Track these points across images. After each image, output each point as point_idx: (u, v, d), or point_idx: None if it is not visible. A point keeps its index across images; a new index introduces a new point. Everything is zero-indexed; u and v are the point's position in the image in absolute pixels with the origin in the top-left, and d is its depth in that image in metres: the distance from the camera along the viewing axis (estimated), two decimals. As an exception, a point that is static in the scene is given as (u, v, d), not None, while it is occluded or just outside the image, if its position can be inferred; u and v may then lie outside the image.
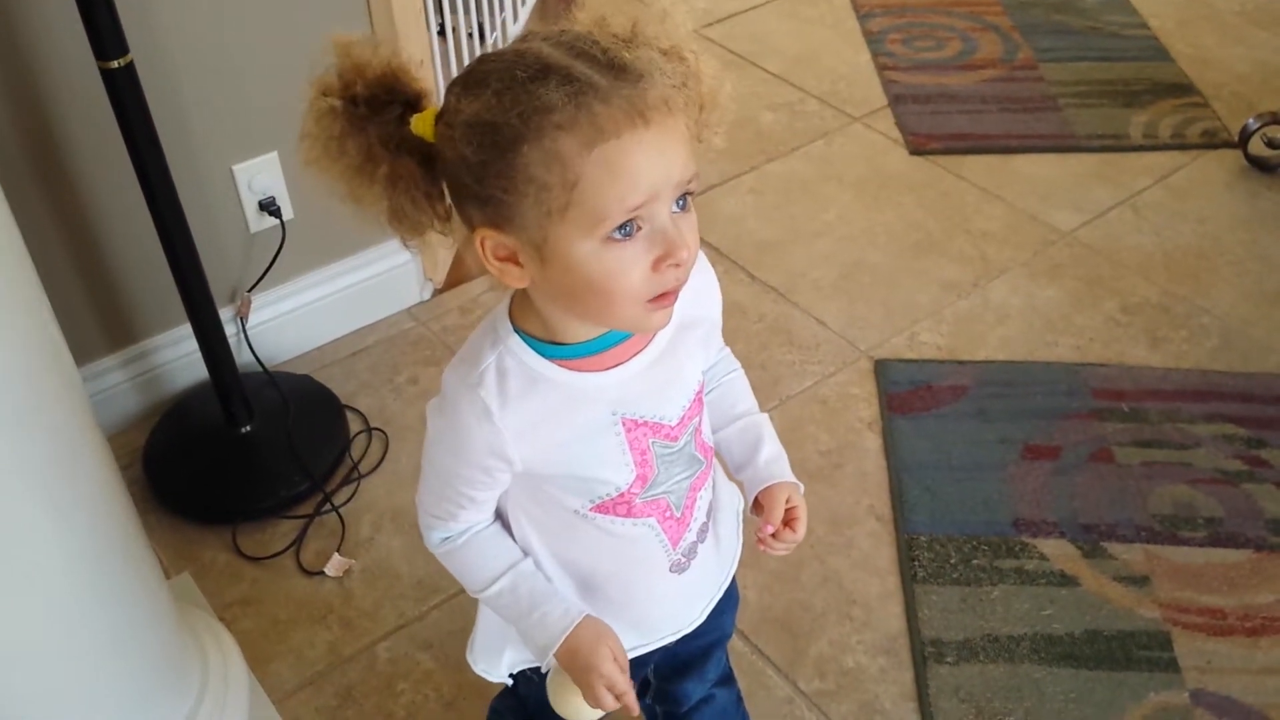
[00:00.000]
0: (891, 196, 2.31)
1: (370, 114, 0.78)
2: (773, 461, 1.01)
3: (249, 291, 1.85)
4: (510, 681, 1.09)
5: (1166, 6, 2.90)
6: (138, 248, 1.69)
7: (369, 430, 1.82)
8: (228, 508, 1.69)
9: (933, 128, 2.49)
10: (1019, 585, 1.58)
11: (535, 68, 0.73)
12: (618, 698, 0.93)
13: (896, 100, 2.57)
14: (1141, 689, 1.46)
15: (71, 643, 1.13)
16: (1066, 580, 1.58)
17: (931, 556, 1.62)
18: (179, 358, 1.83)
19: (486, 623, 1.07)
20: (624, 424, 0.88)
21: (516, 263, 0.79)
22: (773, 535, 0.98)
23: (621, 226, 0.75)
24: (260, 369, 1.86)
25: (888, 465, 1.76)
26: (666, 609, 1.04)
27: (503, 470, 0.88)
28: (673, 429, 0.91)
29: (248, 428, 1.76)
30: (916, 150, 2.43)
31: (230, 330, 1.77)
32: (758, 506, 1.00)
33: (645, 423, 0.89)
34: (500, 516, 0.97)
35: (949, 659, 1.49)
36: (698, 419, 0.94)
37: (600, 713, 0.98)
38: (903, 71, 2.68)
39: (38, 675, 1.13)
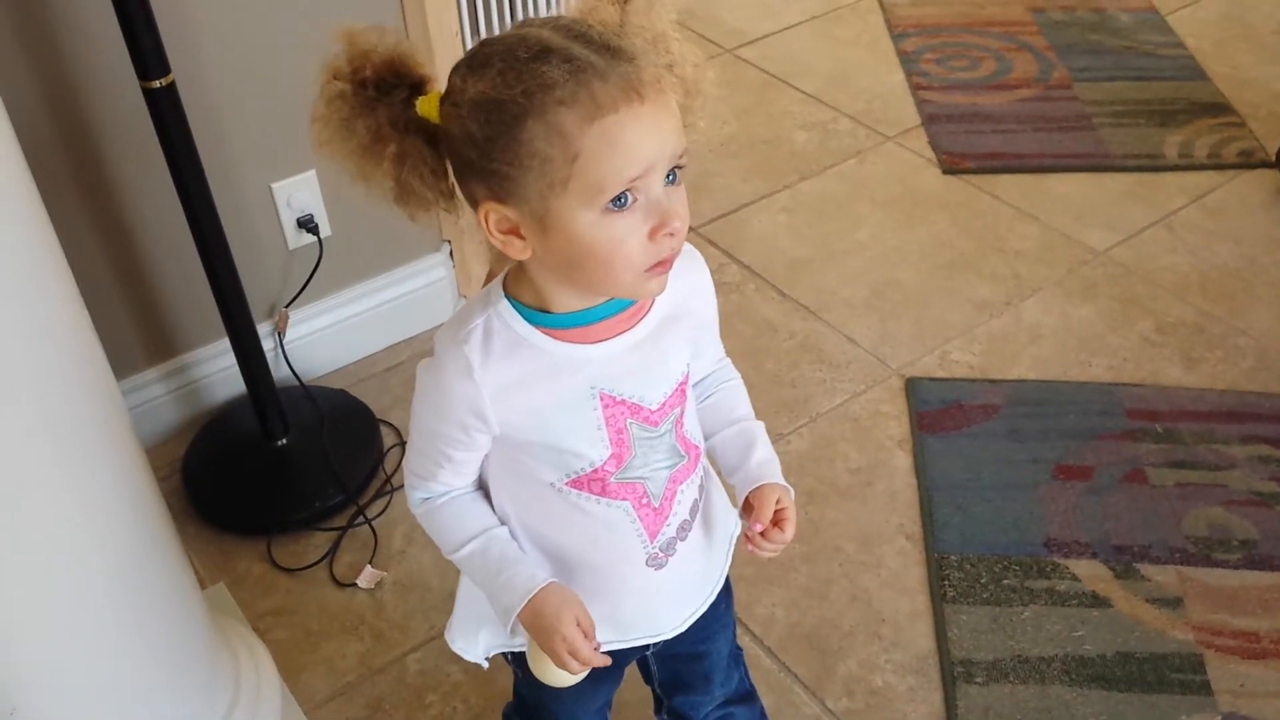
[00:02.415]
0: (924, 215, 2.31)
1: (379, 96, 0.83)
2: (764, 464, 1.01)
3: (286, 307, 1.87)
4: (486, 664, 1.09)
5: (1203, 26, 2.89)
6: (178, 263, 1.72)
7: (402, 444, 1.84)
8: (263, 519, 1.72)
9: (966, 147, 2.49)
10: (1050, 606, 1.57)
11: (536, 49, 0.78)
12: (584, 662, 0.93)
13: (930, 120, 2.58)
14: (1173, 712, 1.44)
15: (107, 649, 1.15)
16: (1098, 601, 1.57)
17: (962, 576, 1.61)
18: (218, 372, 1.86)
19: (465, 602, 1.08)
20: (602, 399, 0.90)
21: (519, 235, 0.83)
22: (761, 534, 0.97)
23: (618, 198, 0.79)
24: (297, 383, 1.88)
25: (918, 484, 1.75)
26: (642, 606, 1.03)
27: (480, 430, 0.90)
28: (653, 413, 0.93)
29: (284, 441, 1.78)
30: (950, 169, 2.43)
31: (268, 345, 1.80)
32: (747, 507, 1.00)
33: (624, 401, 0.91)
34: (483, 491, 0.99)
35: (979, 679, 1.49)
36: (679, 409, 0.95)
37: (578, 677, 0.97)
38: (936, 91, 2.68)
39: (73, 681, 1.14)
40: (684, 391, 0.96)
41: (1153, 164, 2.42)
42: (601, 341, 0.89)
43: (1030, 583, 1.60)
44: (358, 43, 0.83)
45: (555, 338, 0.88)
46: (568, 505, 0.94)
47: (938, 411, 1.86)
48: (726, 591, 1.12)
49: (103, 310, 1.13)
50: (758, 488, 0.99)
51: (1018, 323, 2.05)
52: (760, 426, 1.05)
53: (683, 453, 0.97)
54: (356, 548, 1.69)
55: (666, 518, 0.98)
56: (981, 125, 2.55)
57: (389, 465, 1.81)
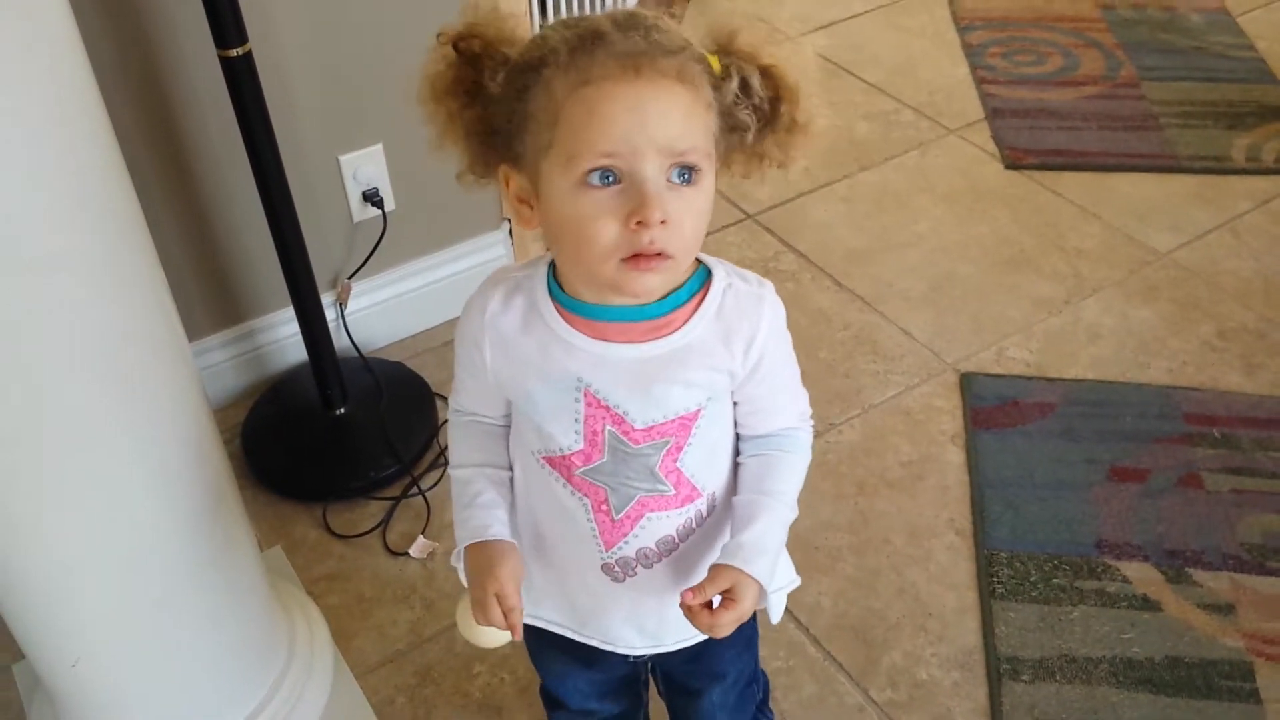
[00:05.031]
0: (985, 210, 2.30)
1: (476, 70, 0.83)
2: (747, 545, 0.91)
3: (349, 279, 1.90)
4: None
5: (1275, 28, 2.84)
6: (246, 232, 1.75)
7: (457, 419, 1.86)
8: (320, 486, 1.74)
9: (1030, 143, 2.46)
10: (1100, 607, 1.56)
11: (581, 26, 0.79)
12: (506, 614, 0.92)
13: (994, 114, 2.55)
14: (1221, 719, 1.44)
15: (168, 606, 1.18)
16: (1149, 605, 1.56)
17: (1011, 573, 1.61)
18: (280, 340, 1.89)
19: None
20: (585, 395, 0.89)
21: (529, 204, 0.84)
22: (687, 606, 0.89)
23: (601, 174, 0.77)
24: (356, 354, 1.91)
25: (970, 479, 1.75)
26: (595, 608, 1.02)
27: (480, 365, 0.93)
28: (634, 431, 0.90)
29: (342, 410, 1.81)
30: (1013, 165, 2.41)
31: (329, 315, 1.82)
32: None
33: (606, 406, 0.89)
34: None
35: (1024, 677, 1.49)
36: (676, 441, 0.91)
37: (496, 643, 0.98)
38: (1002, 85, 2.65)
39: (134, 636, 1.18)
40: (687, 427, 0.91)
41: (1219, 166, 2.39)
42: (607, 341, 0.87)
43: (1080, 583, 1.59)
44: (474, 16, 0.83)
45: (563, 318, 0.88)
46: (543, 478, 0.95)
47: (992, 408, 1.86)
48: (730, 645, 1.05)
49: (173, 276, 1.15)
50: (721, 564, 0.91)
51: (1077, 322, 2.03)
52: (780, 506, 0.95)
53: (667, 485, 0.93)
54: (410, 518, 1.72)
55: (625, 535, 0.95)
56: (1046, 121, 2.53)
57: (443, 438, 1.83)
